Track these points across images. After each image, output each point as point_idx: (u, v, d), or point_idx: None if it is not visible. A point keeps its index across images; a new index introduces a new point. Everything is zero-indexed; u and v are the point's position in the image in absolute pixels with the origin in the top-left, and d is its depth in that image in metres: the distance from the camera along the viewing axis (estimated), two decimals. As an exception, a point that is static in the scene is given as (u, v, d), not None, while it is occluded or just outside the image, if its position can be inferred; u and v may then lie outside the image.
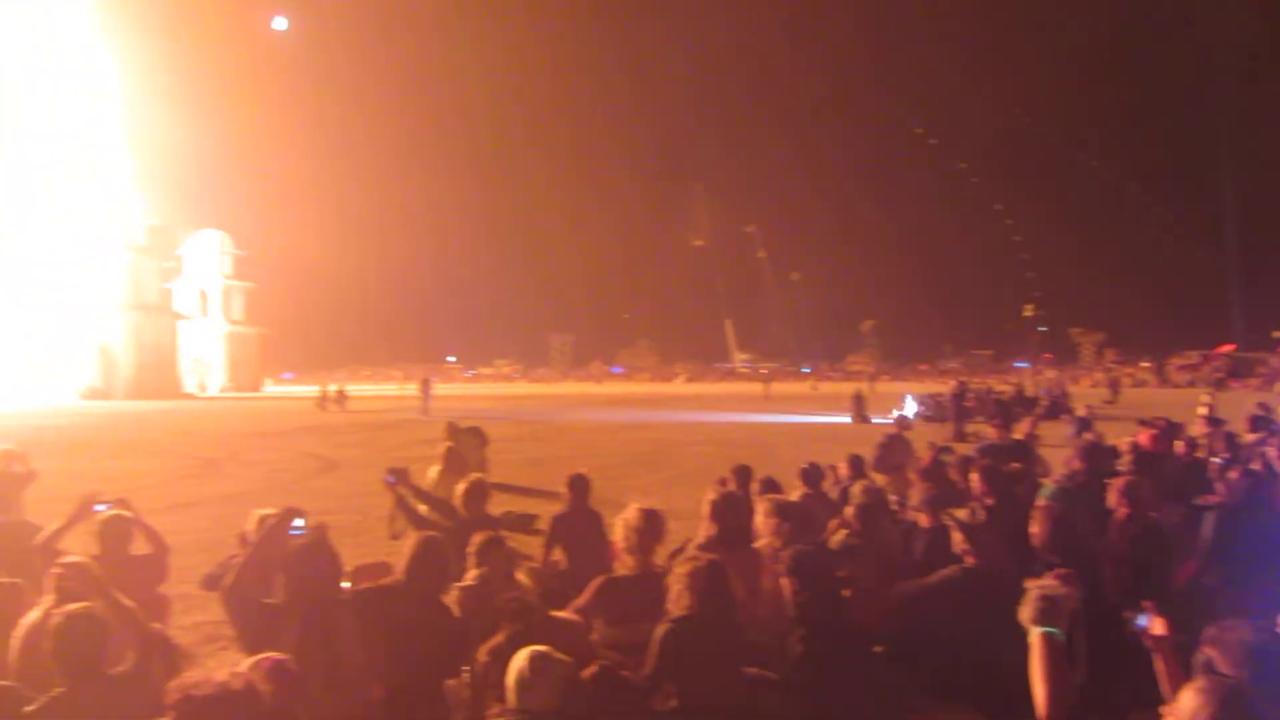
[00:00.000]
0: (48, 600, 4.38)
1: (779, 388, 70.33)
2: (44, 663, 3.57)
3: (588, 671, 3.57)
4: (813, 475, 7.44)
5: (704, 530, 5.71)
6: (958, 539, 4.82)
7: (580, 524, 6.59)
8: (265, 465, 19.53)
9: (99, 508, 5.55)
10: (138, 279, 64.63)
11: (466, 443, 12.17)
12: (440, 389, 45.92)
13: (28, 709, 3.37)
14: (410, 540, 4.80)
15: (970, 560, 4.71)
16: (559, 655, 3.40)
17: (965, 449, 10.64)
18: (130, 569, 5.31)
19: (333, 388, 46.00)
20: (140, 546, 5.56)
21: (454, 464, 9.24)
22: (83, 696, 3.38)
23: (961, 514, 5.36)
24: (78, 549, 5.33)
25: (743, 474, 7.55)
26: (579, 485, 6.74)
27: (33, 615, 4.36)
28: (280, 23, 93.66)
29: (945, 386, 39.40)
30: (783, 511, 5.48)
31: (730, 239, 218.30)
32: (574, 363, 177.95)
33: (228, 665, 4.30)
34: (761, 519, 5.61)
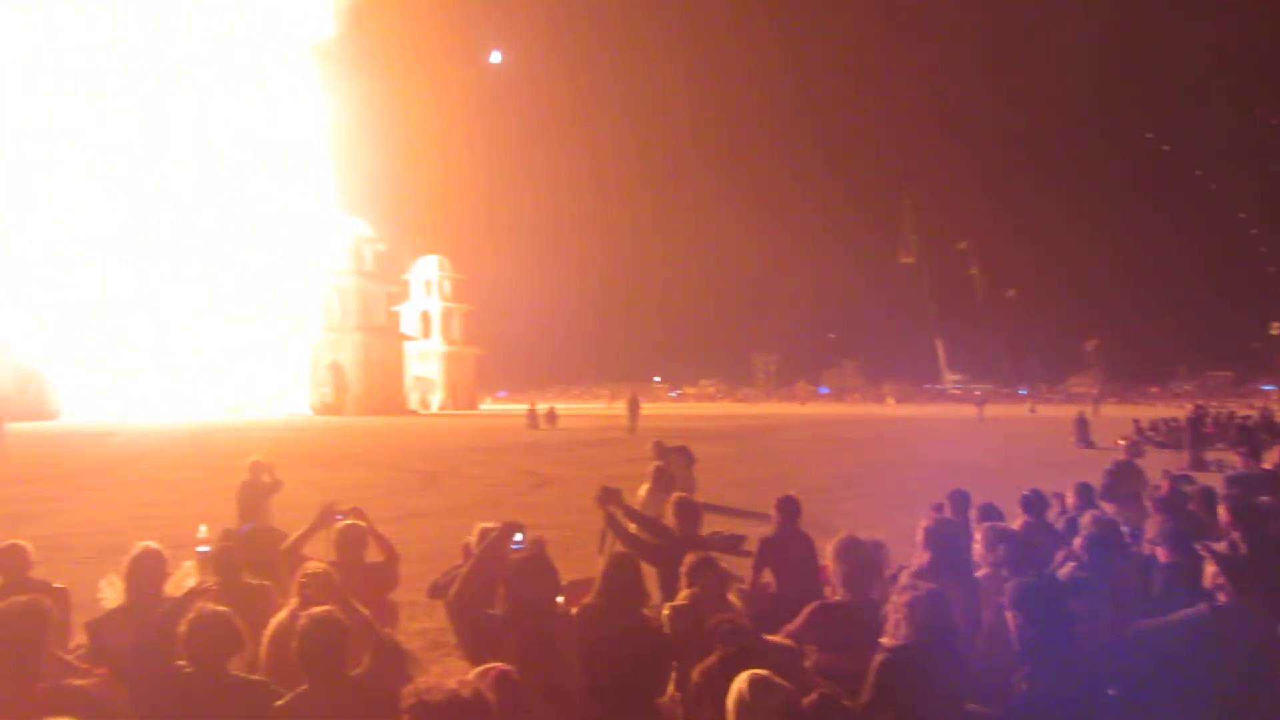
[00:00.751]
0: (293, 602, 4.71)
1: (994, 410, 67.39)
2: (290, 661, 3.82)
3: (808, 699, 3.51)
4: (1036, 503, 7.07)
5: (919, 557, 5.53)
6: (1210, 573, 4.45)
7: (790, 547, 6.50)
8: (483, 480, 20.36)
9: (337, 517, 5.94)
10: (367, 303, 69.06)
11: (675, 462, 12.28)
12: (646, 408, 46.60)
13: (278, 703, 3.63)
14: (605, 559, 4.88)
15: (1223, 598, 4.34)
16: (779, 680, 3.36)
17: (1205, 479, 9.85)
18: (364, 575, 5.65)
19: (543, 406, 47.52)
20: (373, 554, 5.90)
21: (663, 483, 9.34)
22: (324, 695, 3.60)
23: (1220, 547, 4.95)
24: (318, 555, 5.72)
25: (959, 499, 7.26)
26: (788, 507, 6.65)
27: (280, 616, 4.70)
28: (495, 56, 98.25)
29: (1180, 411, 36.63)
30: (1005, 540, 5.23)
31: (941, 255, 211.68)
32: (779, 383, 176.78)
33: (452, 672, 4.50)
34: (981, 547, 5.37)
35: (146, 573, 5.02)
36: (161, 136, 68.52)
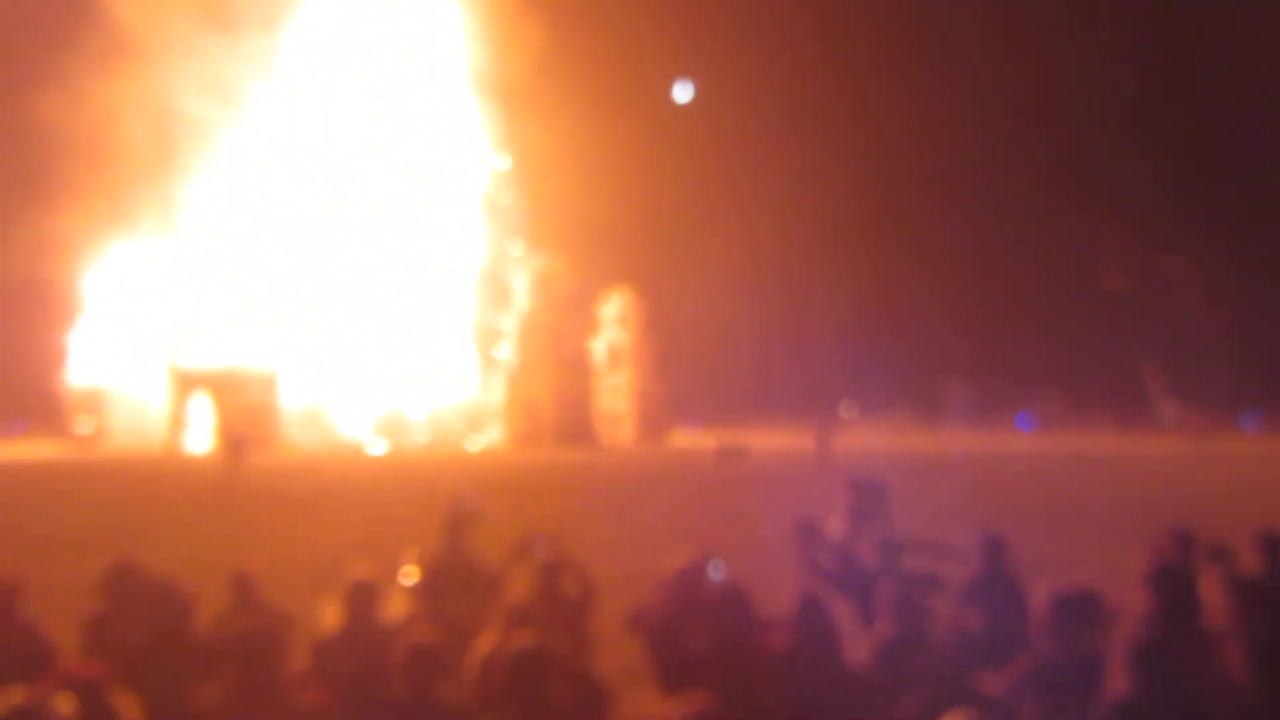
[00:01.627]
0: (496, 632, 4.87)
1: (1214, 441, 62.64)
2: (495, 689, 3.94)
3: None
4: (1277, 545, 6.49)
5: (1138, 603, 5.18)
6: None
7: (994, 589, 6.22)
8: (674, 513, 20.49)
9: (535, 548, 6.10)
10: (559, 337, 71.11)
11: (868, 495, 11.98)
12: (837, 440, 45.80)
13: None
14: (796, 599, 4.79)
15: None
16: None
17: None
18: (562, 606, 5.78)
19: (733, 440, 47.45)
20: (571, 585, 6.02)
21: (857, 517, 9.12)
22: (529, 724, 3.69)
23: None
24: (518, 585, 5.89)
25: (1183, 539, 6.75)
26: (993, 546, 6.37)
27: (484, 645, 4.86)
28: (684, 90, 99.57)
29: None
30: (1241, 587, 4.82)
31: (1153, 275, 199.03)
32: (976, 414, 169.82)
33: (648, 704, 4.52)
34: (1212, 594, 4.98)
35: (362, 599, 5.30)
36: (353, 177, 73.44)
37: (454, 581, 6.38)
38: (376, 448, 61.89)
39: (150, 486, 29.22)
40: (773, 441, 77.16)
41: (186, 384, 61.34)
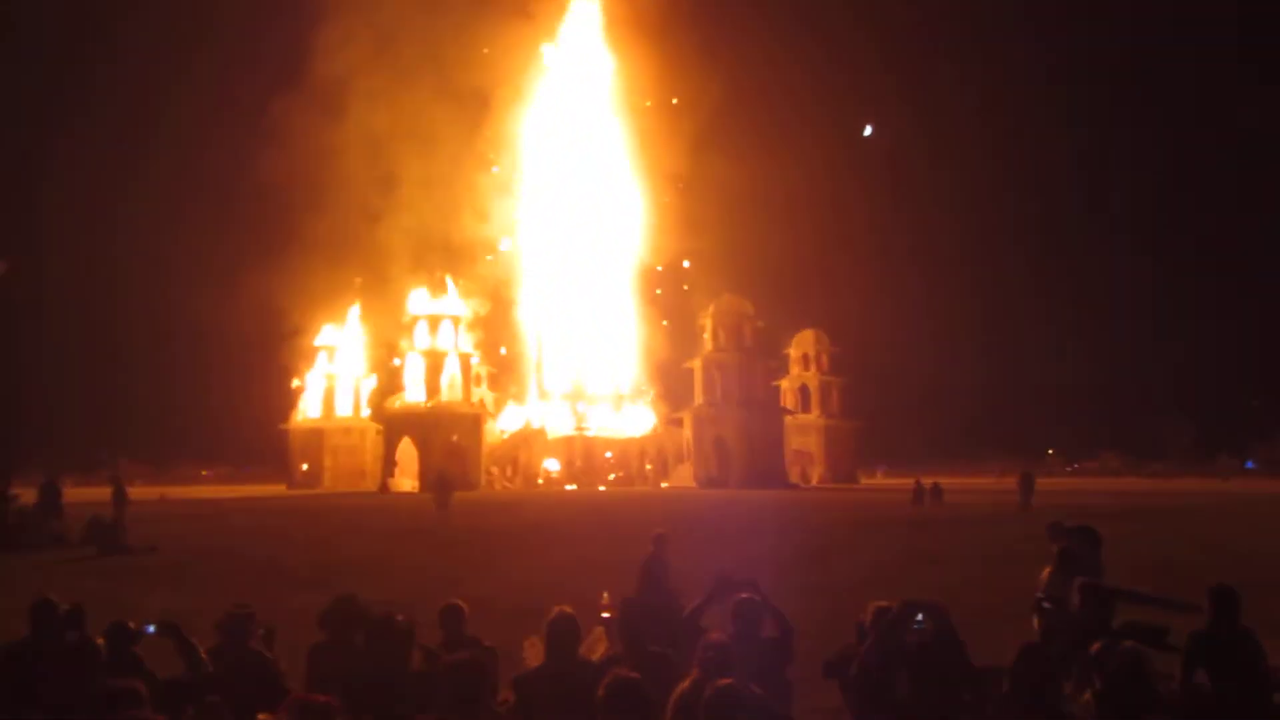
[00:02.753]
0: (694, 672, 4.88)
1: None
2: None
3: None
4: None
5: None
6: None
7: (1228, 645, 5.77)
8: (870, 556, 20.00)
9: (734, 589, 6.09)
10: (747, 378, 70.94)
11: (1077, 543, 11.36)
12: (1041, 483, 43.58)
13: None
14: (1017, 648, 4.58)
15: None
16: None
17: None
18: (759, 649, 5.73)
19: (929, 481, 45.90)
20: (769, 629, 5.98)
21: (1068, 565, 8.68)
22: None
23: None
24: (714, 626, 5.89)
25: None
26: (1226, 599, 5.92)
27: (683, 685, 4.88)
28: (868, 130, 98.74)
29: None
30: None
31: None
32: (1196, 456, 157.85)
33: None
34: None
35: (563, 636, 5.44)
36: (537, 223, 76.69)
37: (651, 620, 6.43)
38: (572, 485, 63.57)
39: (363, 523, 30.91)
40: (972, 483, 74.27)
41: (395, 426, 64.58)
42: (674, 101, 77.30)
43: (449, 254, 72.13)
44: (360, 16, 70.91)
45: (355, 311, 77.42)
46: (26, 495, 26.53)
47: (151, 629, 6.15)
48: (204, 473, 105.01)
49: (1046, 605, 6.35)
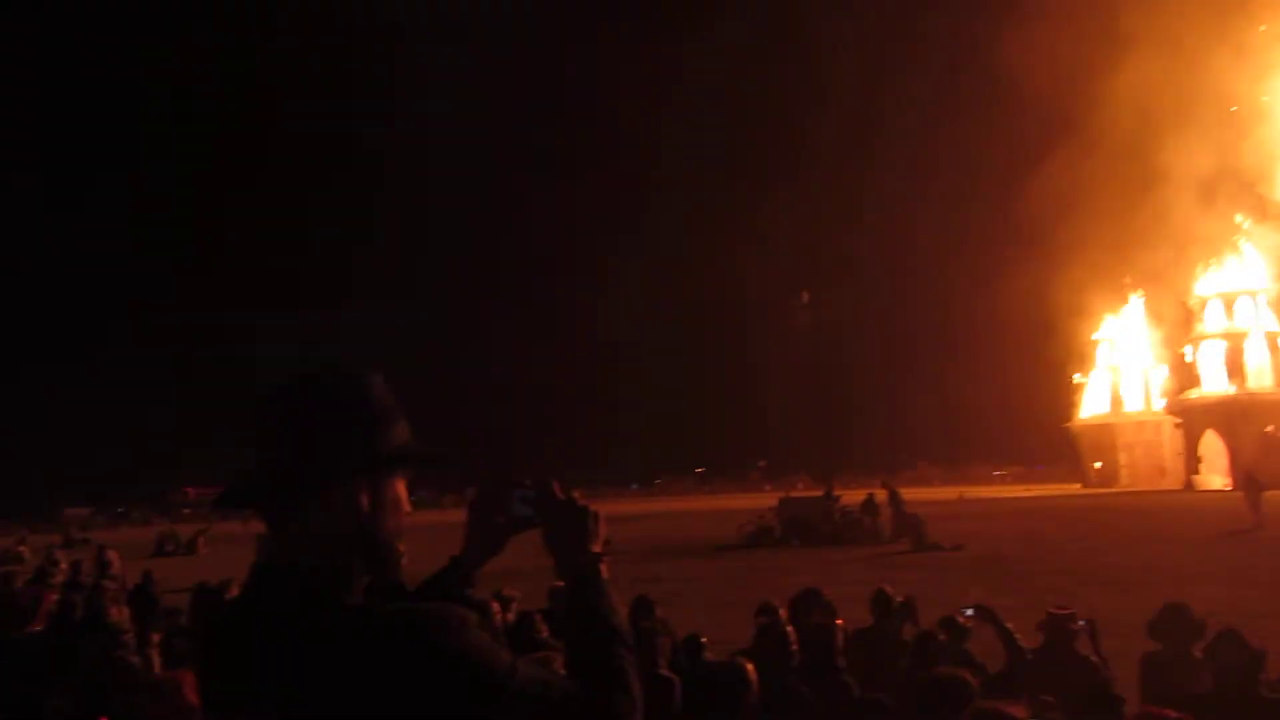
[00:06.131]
0: None
1: None
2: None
3: None
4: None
5: None
6: None
7: None
8: None
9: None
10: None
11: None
12: None
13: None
14: None
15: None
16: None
17: None
18: None
19: None
20: None
21: None
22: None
23: None
24: None
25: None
26: None
27: None
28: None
29: None
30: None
31: None
32: None
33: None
34: None
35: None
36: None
37: None
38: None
39: (1169, 525, 28.67)
40: None
41: (1195, 419, 59.23)
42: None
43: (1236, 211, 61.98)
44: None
45: (1136, 300, 72.62)
46: (848, 497, 29.98)
47: (969, 611, 6.26)
48: (996, 473, 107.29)
49: None
